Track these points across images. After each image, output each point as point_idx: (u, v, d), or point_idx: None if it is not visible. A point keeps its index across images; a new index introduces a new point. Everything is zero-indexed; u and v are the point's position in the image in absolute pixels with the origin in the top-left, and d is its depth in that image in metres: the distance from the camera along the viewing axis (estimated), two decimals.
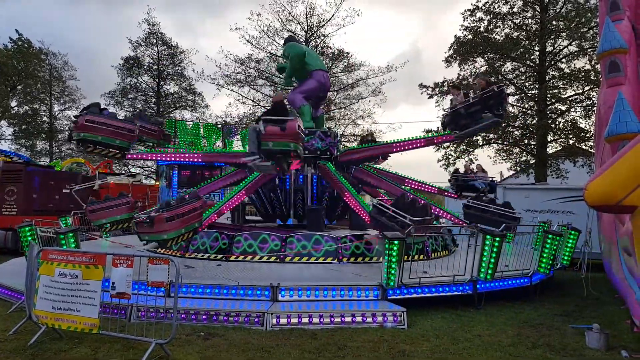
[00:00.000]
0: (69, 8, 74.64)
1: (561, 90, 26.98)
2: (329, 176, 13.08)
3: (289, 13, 33.04)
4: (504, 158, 29.03)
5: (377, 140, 17.82)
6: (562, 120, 27.17)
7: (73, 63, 44.39)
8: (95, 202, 12.81)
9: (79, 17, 77.67)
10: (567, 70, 26.73)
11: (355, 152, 14.50)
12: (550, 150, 27.62)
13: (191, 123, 21.94)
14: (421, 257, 11.35)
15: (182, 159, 13.67)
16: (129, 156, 12.37)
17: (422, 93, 29.46)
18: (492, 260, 9.00)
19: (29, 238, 10.39)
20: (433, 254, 11.82)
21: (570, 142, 27.06)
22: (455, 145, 27.92)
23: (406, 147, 13.47)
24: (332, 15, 33.25)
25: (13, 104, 42.52)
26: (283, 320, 7.42)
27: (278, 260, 10.84)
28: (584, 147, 26.55)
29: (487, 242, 9.01)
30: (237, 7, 78.60)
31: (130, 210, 12.54)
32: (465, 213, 12.96)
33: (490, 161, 29.72)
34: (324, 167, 13.28)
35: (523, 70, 28.34)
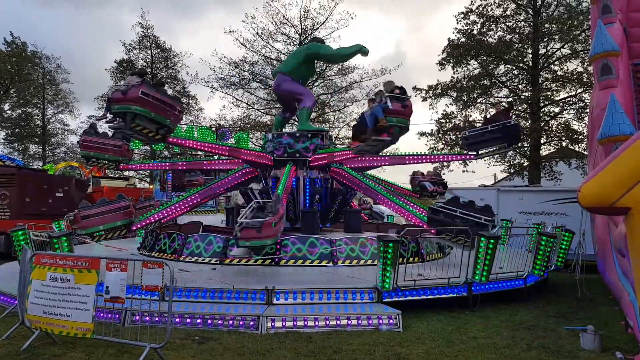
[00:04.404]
0: (40, 10, 73.64)
1: (554, 93, 27.20)
2: (347, 179, 13.15)
3: (284, 16, 33.09)
4: (497, 160, 29.17)
5: None
6: (555, 123, 27.38)
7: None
8: (88, 207, 11.46)
9: (53, 19, 76.83)
10: (559, 73, 26.96)
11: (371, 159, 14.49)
12: (543, 152, 27.80)
13: (185, 126, 21.83)
14: (416, 259, 11.36)
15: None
16: (122, 167, 13.69)
17: (415, 95, 29.59)
18: (487, 263, 9.01)
19: (22, 242, 10.31)
20: (428, 257, 11.83)
21: (564, 144, 27.25)
22: (449, 148, 28.06)
23: (426, 161, 14.09)
24: (326, 19, 33.33)
25: (6, 107, 42.27)
26: (278, 324, 7.39)
27: (273, 264, 10.82)
28: (577, 149, 26.75)
29: (482, 245, 9.03)
30: (210, 8, 78.50)
31: (128, 215, 11.50)
32: (430, 219, 11.16)
33: (485, 164, 29.92)
34: (338, 171, 13.33)
35: (516, 73, 28.56)
